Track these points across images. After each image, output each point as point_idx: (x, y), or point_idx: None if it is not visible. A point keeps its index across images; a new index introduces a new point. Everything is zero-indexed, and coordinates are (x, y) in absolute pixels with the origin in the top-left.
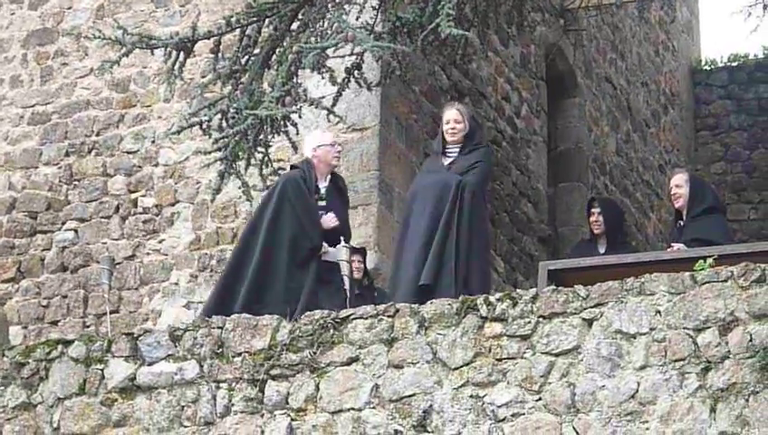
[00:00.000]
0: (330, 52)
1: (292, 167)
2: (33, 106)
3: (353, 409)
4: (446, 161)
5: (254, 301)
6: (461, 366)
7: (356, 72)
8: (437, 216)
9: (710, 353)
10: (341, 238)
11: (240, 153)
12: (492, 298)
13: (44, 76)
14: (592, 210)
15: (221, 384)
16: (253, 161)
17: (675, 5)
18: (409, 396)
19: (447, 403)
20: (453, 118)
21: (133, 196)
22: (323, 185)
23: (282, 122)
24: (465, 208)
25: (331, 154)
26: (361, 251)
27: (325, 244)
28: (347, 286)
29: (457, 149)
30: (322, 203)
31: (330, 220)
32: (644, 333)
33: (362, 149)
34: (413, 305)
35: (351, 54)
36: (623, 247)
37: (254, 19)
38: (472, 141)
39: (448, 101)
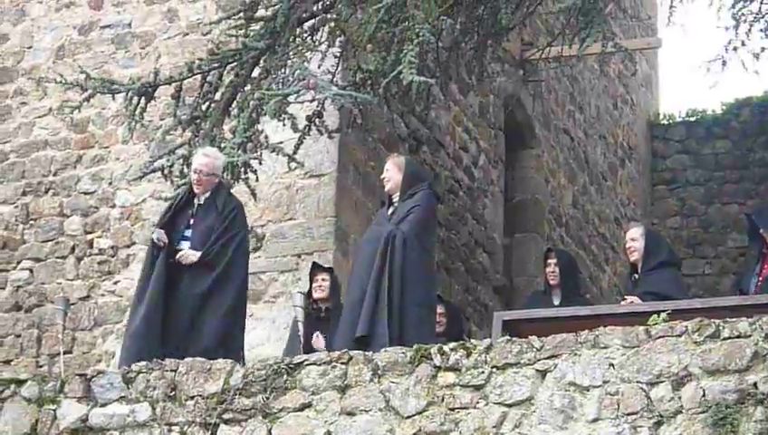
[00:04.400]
0: (291, 99)
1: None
2: None
3: None
4: (390, 211)
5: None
6: (414, 415)
7: (317, 119)
8: (371, 270)
9: (663, 408)
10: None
11: None
12: (446, 347)
13: (3, 115)
14: (549, 260)
15: (173, 427)
16: None
17: (635, 59)
18: None
19: None
20: (385, 170)
21: (89, 237)
22: (198, 202)
23: (242, 169)
24: (397, 259)
25: (192, 180)
26: (329, 271)
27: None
28: (301, 332)
29: (398, 198)
30: (192, 221)
31: (186, 256)
32: (597, 386)
33: (319, 196)
34: (367, 353)
35: (313, 101)
36: (577, 300)
37: (216, 65)
38: (410, 188)
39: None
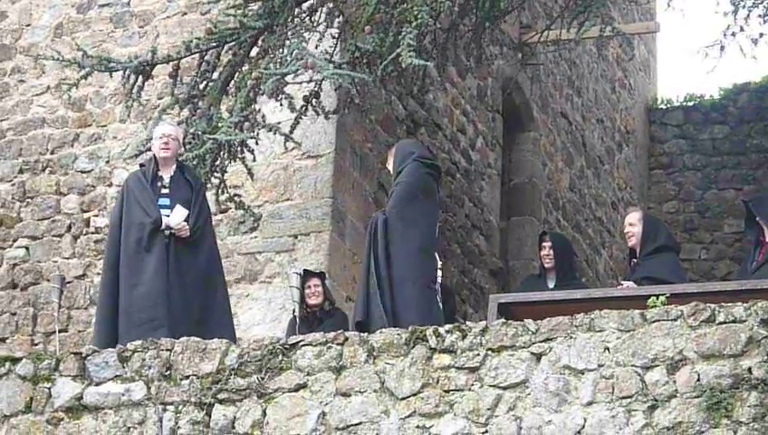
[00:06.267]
0: (289, 78)
1: (141, 166)
2: None
3: None
4: None
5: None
6: (408, 396)
7: (314, 100)
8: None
9: (657, 392)
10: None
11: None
12: (441, 330)
13: (0, 93)
14: (543, 244)
15: (168, 407)
16: (209, 186)
17: (633, 43)
18: (356, 425)
19: (394, 433)
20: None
21: (86, 215)
22: (167, 175)
23: (239, 148)
24: (380, 241)
25: (158, 146)
26: (320, 275)
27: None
28: (297, 313)
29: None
30: (165, 191)
31: (177, 217)
32: (592, 370)
33: (316, 176)
34: (362, 334)
35: (310, 81)
36: (572, 283)
37: (214, 44)
38: (400, 166)
39: None
